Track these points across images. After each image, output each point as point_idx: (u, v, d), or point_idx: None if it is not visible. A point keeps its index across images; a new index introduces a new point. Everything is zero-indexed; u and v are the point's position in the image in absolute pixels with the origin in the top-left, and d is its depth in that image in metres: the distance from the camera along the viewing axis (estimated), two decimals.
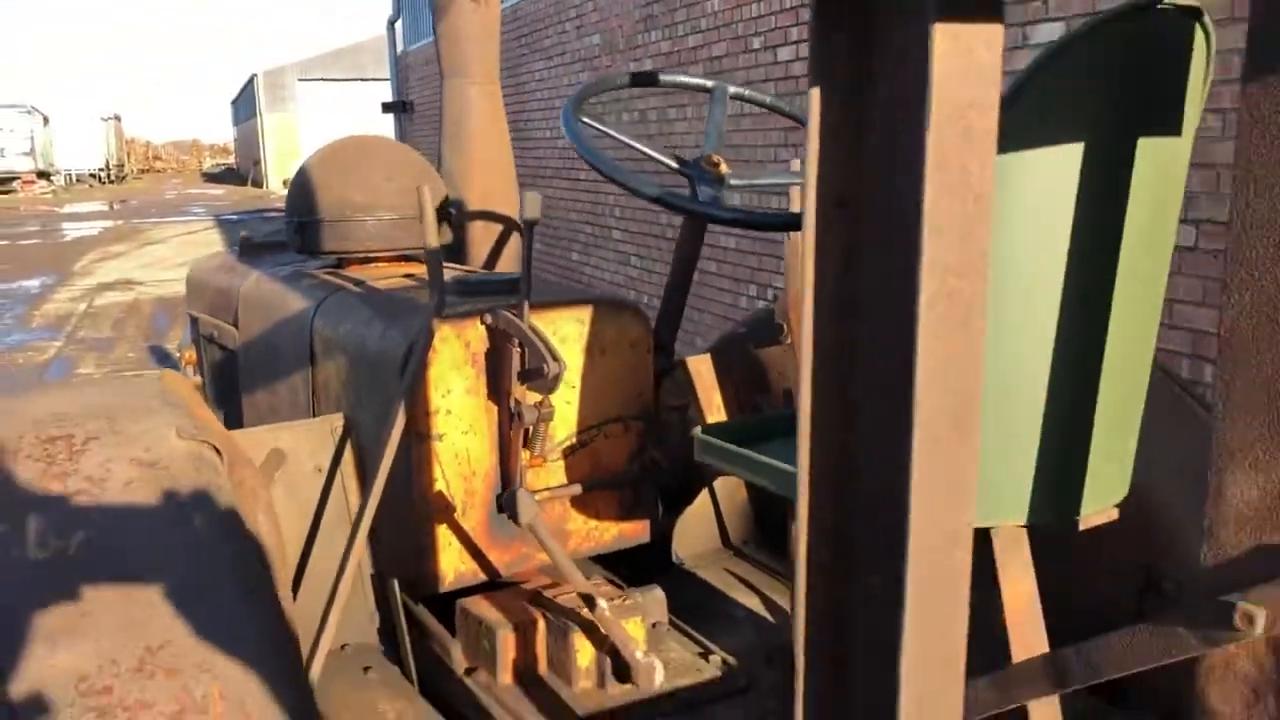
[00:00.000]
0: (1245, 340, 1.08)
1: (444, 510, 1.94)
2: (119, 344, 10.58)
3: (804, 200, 0.83)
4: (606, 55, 8.97)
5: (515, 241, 3.11)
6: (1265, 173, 1.05)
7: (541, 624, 1.92)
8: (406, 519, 1.95)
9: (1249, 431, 1.08)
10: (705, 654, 1.98)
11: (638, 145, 2.27)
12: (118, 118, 44.37)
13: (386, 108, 17.46)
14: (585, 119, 2.17)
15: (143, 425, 1.37)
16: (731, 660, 1.96)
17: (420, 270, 2.57)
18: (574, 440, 2.06)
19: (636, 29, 8.33)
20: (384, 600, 2.03)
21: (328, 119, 31.95)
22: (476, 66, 3.06)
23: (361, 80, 34.11)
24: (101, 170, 49.15)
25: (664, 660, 1.88)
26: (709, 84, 2.38)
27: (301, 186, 2.56)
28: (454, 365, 1.92)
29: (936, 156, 0.75)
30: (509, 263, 3.07)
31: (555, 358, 1.81)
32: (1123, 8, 1.19)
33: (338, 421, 2.10)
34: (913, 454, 0.79)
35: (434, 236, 1.91)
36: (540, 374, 1.82)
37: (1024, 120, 1.21)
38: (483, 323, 1.94)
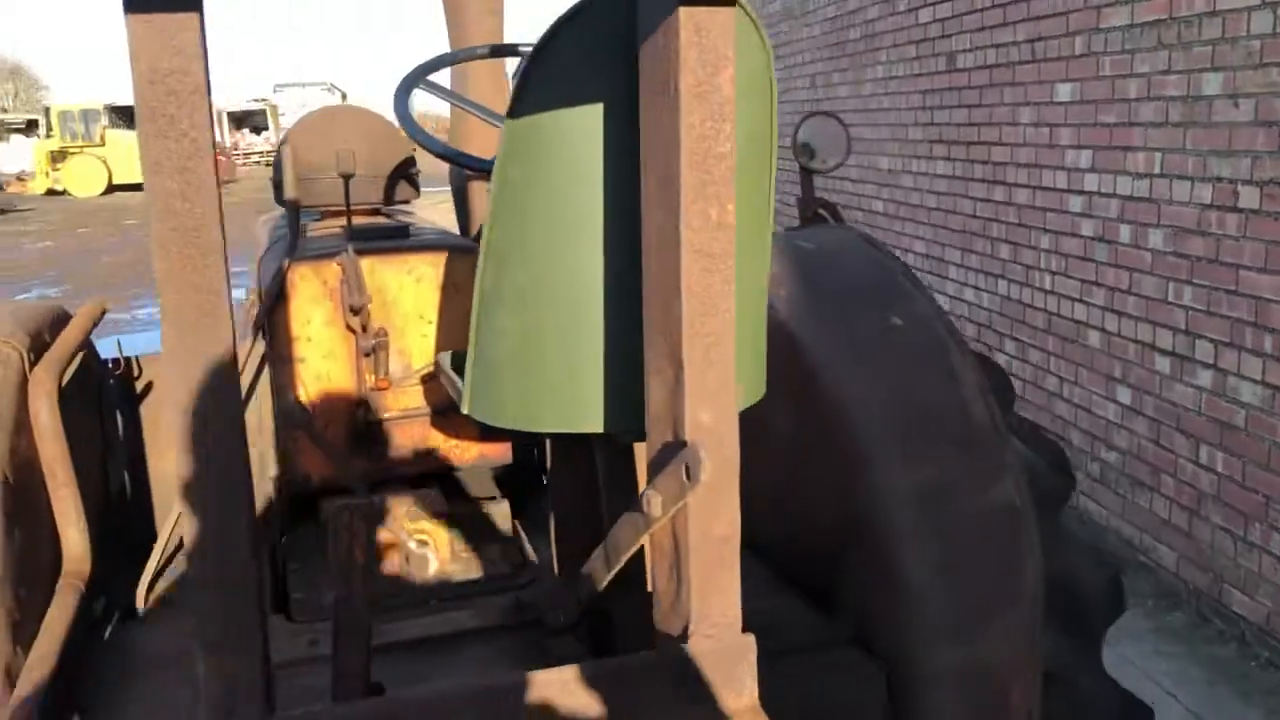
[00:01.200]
0: (649, 272, 1.24)
1: (307, 423, 2.27)
2: None
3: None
4: (784, 21, 9.04)
5: None
6: (653, 154, 1.22)
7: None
8: (280, 430, 2.31)
9: (655, 352, 1.24)
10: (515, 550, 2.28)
11: (468, 107, 2.50)
12: None
13: None
14: (425, 82, 2.41)
15: None
16: (533, 559, 2.22)
17: (378, 220, 2.92)
18: (432, 368, 2.34)
19: None
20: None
21: None
22: (479, 39, 3.34)
23: None
24: None
25: (467, 555, 2.18)
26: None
27: (281, 150, 2.96)
28: (312, 299, 2.24)
29: (144, 110, 0.99)
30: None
31: (361, 292, 2.11)
32: None
33: (260, 346, 2.48)
34: (168, 339, 1.04)
35: (291, 190, 2.25)
36: (355, 307, 2.13)
37: (553, 75, 1.37)
38: (338, 263, 2.26)
